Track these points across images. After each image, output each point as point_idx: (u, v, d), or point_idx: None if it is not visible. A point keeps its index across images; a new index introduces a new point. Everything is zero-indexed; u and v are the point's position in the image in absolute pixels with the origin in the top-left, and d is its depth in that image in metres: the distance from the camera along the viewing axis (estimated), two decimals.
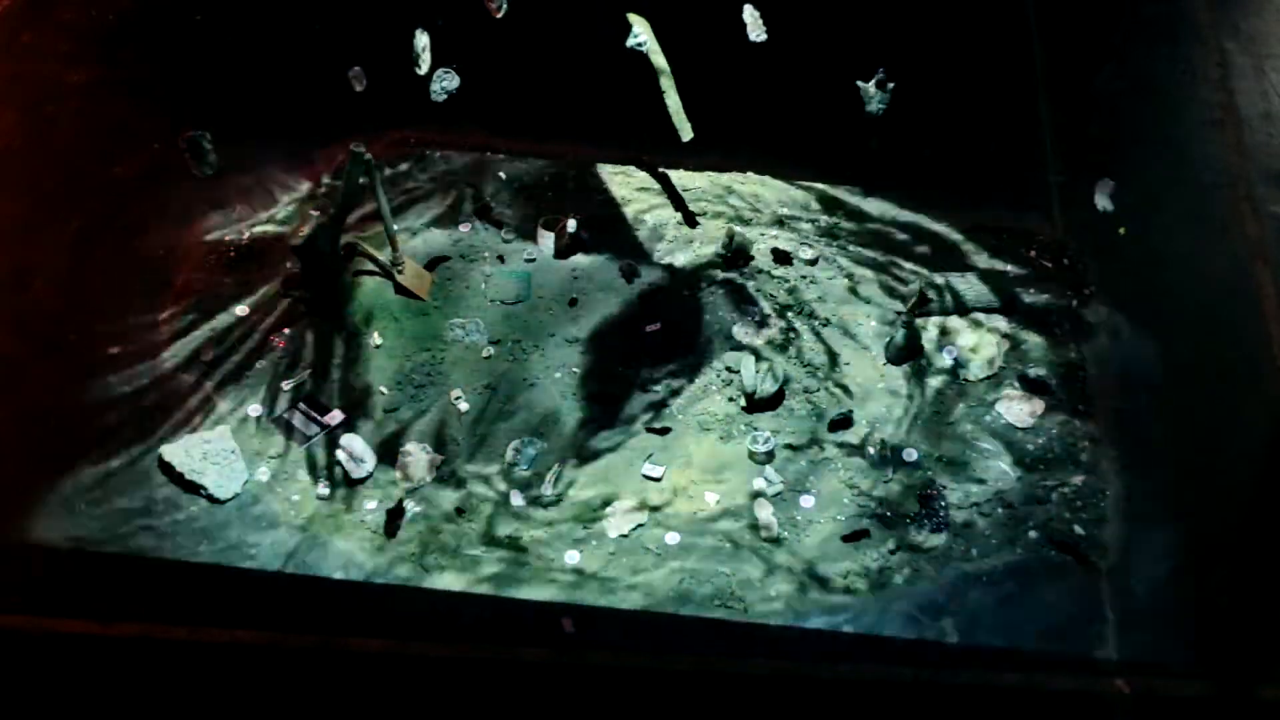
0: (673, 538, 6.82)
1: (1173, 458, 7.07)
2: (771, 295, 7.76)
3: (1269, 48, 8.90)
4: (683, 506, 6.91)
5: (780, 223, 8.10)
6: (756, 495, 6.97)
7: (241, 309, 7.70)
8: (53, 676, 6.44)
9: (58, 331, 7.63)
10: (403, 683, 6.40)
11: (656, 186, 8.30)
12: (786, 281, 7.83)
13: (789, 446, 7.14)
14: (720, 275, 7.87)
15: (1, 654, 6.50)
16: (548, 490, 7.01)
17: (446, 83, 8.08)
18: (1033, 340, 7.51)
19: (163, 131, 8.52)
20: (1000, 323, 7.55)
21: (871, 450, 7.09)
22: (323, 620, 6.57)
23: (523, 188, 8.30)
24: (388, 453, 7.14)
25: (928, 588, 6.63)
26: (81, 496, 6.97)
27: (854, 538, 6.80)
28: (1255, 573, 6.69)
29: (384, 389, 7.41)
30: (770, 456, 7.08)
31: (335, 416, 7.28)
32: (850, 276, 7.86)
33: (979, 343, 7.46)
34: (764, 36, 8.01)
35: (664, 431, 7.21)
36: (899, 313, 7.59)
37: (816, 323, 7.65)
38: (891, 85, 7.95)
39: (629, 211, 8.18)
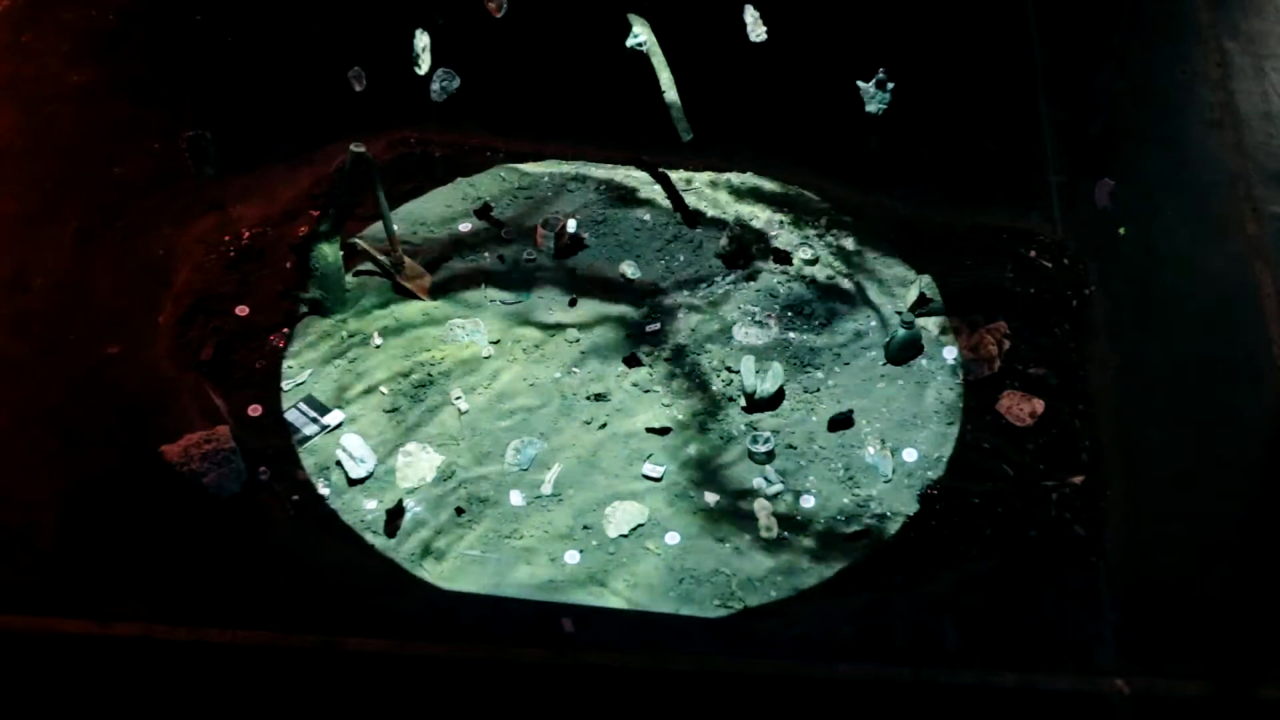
0: (673, 538, 6.82)
1: (1173, 458, 7.08)
2: (771, 295, 7.76)
3: (1269, 48, 8.90)
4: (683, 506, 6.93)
5: (780, 223, 8.10)
6: (757, 495, 6.97)
7: (241, 309, 7.70)
8: (53, 676, 6.44)
9: (58, 331, 7.64)
10: (402, 683, 6.40)
11: (656, 186, 8.30)
12: (786, 281, 7.83)
13: (789, 446, 7.14)
14: (720, 275, 7.87)
15: (1, 654, 6.50)
16: (547, 490, 7.01)
17: (446, 83, 8.08)
18: (1033, 340, 7.51)
19: (163, 131, 8.54)
20: (1000, 323, 7.56)
21: (871, 450, 7.10)
22: (323, 620, 6.57)
23: (522, 188, 8.30)
24: (388, 453, 7.15)
25: (928, 588, 6.63)
26: (81, 496, 6.97)
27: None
28: (1255, 573, 6.69)
29: (384, 389, 7.41)
30: (770, 456, 7.08)
31: (335, 416, 7.28)
32: (850, 276, 7.86)
33: (979, 342, 7.46)
34: (764, 36, 8.01)
35: (664, 431, 7.21)
36: (898, 312, 7.59)
37: (816, 322, 7.65)
38: (891, 85, 7.95)
39: (629, 211, 8.18)
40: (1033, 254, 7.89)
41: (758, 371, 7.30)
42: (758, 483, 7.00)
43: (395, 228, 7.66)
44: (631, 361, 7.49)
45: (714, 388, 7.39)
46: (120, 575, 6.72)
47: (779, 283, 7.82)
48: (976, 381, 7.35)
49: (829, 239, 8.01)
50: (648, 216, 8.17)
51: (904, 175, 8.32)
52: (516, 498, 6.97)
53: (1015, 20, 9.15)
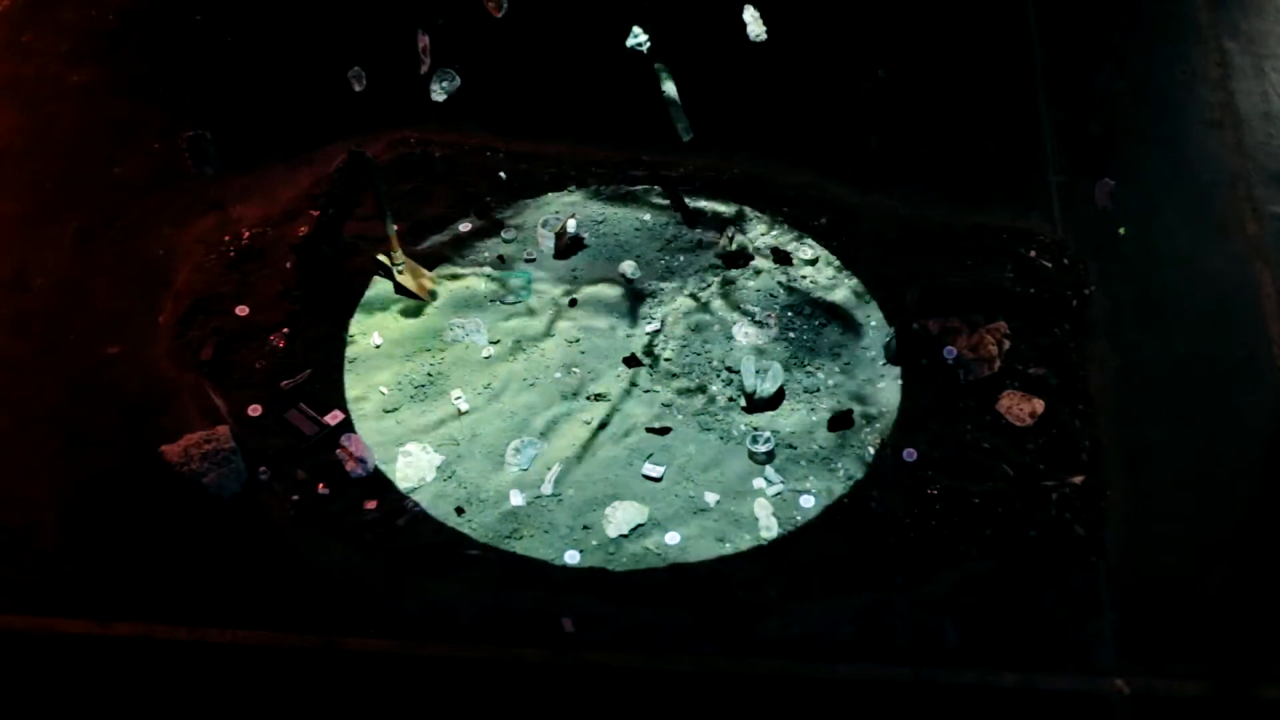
0: (673, 538, 6.82)
1: (1173, 458, 7.08)
2: (771, 295, 7.76)
3: (1269, 48, 8.91)
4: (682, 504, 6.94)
5: (780, 223, 8.10)
6: (757, 495, 6.97)
7: (241, 309, 7.70)
8: (53, 676, 6.44)
9: (58, 331, 7.64)
10: (403, 683, 6.40)
11: (656, 187, 8.30)
12: (786, 281, 7.82)
13: (789, 446, 7.14)
14: (720, 275, 7.87)
15: (1, 654, 6.50)
16: (547, 490, 7.01)
17: (446, 83, 8.09)
18: (1033, 340, 7.51)
19: (163, 131, 8.54)
20: (1000, 323, 7.56)
21: (871, 450, 7.10)
22: (323, 620, 6.57)
23: (523, 188, 8.30)
24: (387, 453, 7.15)
25: (928, 588, 6.63)
26: (82, 496, 6.98)
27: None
28: (1255, 573, 6.69)
29: (384, 389, 7.41)
30: (770, 456, 7.08)
31: (335, 416, 7.28)
32: (849, 276, 7.86)
33: (979, 342, 7.45)
34: (764, 36, 8.01)
35: (664, 431, 7.21)
36: (898, 312, 7.59)
37: (816, 322, 7.65)
38: (881, 73, 7.89)
39: (629, 211, 8.18)
40: (1033, 254, 7.88)
41: (758, 371, 7.30)
42: (758, 483, 7.01)
43: (395, 228, 7.66)
44: (631, 361, 7.48)
45: (714, 388, 7.39)
46: (120, 575, 6.72)
47: (779, 283, 7.82)
48: (976, 381, 7.35)
49: (828, 239, 8.01)
50: (648, 216, 8.17)
51: (904, 175, 8.32)
52: (516, 498, 6.97)
53: (1015, 20, 9.15)
